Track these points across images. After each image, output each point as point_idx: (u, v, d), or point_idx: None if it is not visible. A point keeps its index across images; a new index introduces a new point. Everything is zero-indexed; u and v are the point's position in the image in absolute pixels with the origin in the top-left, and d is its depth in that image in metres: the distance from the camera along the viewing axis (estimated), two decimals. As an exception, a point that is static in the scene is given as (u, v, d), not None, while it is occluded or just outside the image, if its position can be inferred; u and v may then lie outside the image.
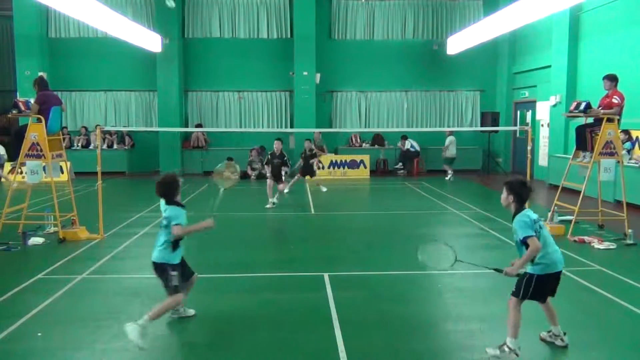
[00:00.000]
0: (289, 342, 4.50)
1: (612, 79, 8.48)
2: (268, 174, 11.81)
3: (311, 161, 13.42)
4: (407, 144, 18.07)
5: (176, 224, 4.51)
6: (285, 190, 12.53)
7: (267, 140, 14.10)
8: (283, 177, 12.01)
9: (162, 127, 17.93)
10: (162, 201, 4.71)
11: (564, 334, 4.36)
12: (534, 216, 4.15)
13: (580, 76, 14.18)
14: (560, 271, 4.25)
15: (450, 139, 17.27)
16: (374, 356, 4.23)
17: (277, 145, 11.77)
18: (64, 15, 17.85)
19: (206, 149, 18.46)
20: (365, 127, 18.89)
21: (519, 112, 18.42)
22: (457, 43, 16.66)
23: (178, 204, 4.67)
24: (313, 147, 13.57)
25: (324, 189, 13.72)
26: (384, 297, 5.66)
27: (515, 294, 4.20)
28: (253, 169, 16.54)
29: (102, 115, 18.82)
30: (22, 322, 4.84)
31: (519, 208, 4.17)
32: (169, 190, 4.65)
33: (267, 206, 11.38)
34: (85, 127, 18.31)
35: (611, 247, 7.59)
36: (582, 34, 14.13)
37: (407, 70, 19.04)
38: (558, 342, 4.35)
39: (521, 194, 4.19)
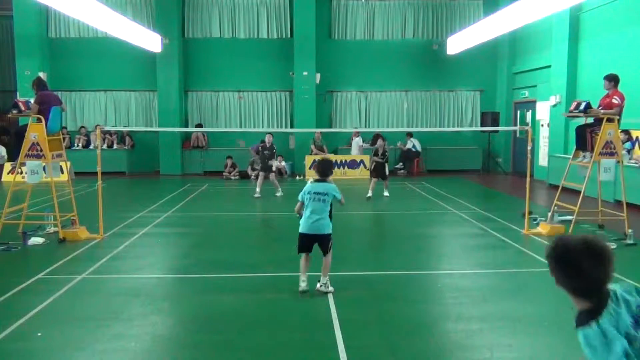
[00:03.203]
0: (289, 342, 4.50)
1: (612, 79, 8.48)
2: (257, 166, 13.08)
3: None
4: (410, 143, 18.09)
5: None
6: (256, 195, 12.67)
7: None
8: (273, 168, 13.11)
9: (162, 127, 17.93)
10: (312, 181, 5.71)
11: None
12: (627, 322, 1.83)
13: (580, 76, 14.18)
14: None
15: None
16: (374, 356, 4.23)
17: (268, 138, 12.84)
18: (64, 15, 17.84)
19: (206, 149, 18.47)
20: (366, 127, 18.89)
21: (519, 112, 18.42)
22: (457, 43, 16.65)
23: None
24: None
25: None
26: (384, 297, 5.66)
27: None
28: (254, 169, 16.53)
29: (102, 115, 18.81)
30: (22, 322, 4.84)
31: (584, 313, 1.89)
32: (329, 169, 5.78)
33: (255, 196, 12.54)
34: (85, 127, 18.30)
35: (611, 247, 7.58)
36: (582, 34, 14.13)
37: (407, 70, 19.04)
38: None
39: (570, 275, 1.89)
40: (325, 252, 5.61)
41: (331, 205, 5.65)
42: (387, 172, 12.84)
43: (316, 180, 5.69)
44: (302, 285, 5.54)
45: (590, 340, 1.83)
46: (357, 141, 17.86)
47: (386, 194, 12.74)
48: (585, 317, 1.85)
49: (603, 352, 1.79)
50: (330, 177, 5.79)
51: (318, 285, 5.60)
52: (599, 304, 1.84)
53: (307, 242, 5.57)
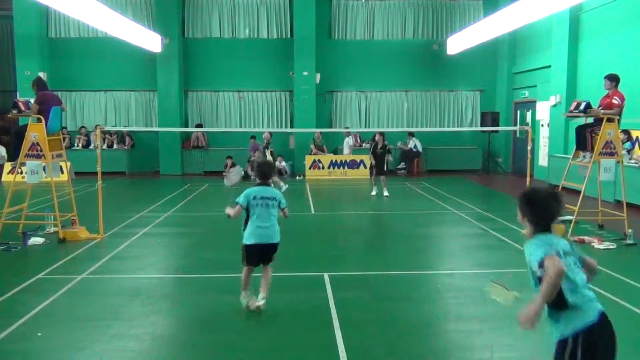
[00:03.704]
0: (289, 342, 4.50)
1: (612, 79, 8.48)
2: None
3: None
4: (412, 143, 18.11)
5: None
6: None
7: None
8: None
9: (162, 127, 17.93)
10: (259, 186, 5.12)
11: None
12: (562, 245, 2.69)
13: (580, 76, 14.18)
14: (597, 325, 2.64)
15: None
16: (374, 356, 4.23)
17: (267, 135, 13.90)
18: (64, 15, 17.83)
19: (206, 149, 18.46)
20: (366, 127, 18.89)
21: (519, 112, 18.42)
22: (457, 43, 16.66)
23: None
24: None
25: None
26: (384, 297, 5.66)
27: None
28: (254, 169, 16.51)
29: (102, 115, 18.80)
30: (22, 322, 4.84)
31: (537, 231, 2.73)
32: (271, 171, 5.30)
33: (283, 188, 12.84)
34: (85, 127, 18.30)
35: (611, 247, 7.59)
36: (582, 34, 14.13)
37: (407, 70, 19.04)
38: None
39: (537, 210, 2.73)
40: (268, 262, 5.13)
41: None
42: (385, 168, 12.69)
43: (261, 184, 5.13)
44: (246, 300, 5.05)
45: (538, 241, 2.65)
46: (347, 141, 17.90)
47: (386, 193, 12.70)
48: (540, 232, 2.70)
49: (544, 246, 2.59)
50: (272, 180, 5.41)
51: (257, 302, 5.03)
52: (549, 230, 2.72)
53: (256, 254, 5.03)
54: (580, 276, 2.66)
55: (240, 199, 4.98)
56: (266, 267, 5.13)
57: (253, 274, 5.18)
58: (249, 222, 4.99)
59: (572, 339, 2.58)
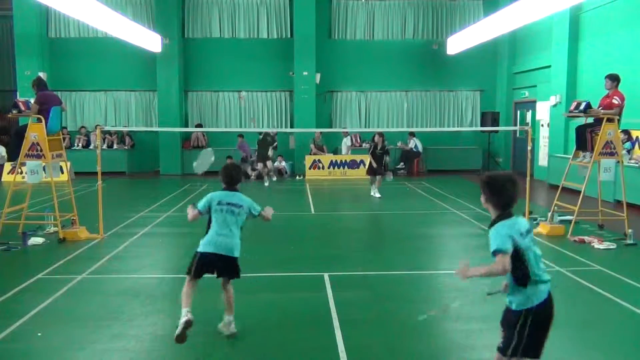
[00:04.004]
0: (289, 342, 4.50)
1: (614, 78, 8.48)
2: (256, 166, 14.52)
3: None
4: (412, 143, 18.12)
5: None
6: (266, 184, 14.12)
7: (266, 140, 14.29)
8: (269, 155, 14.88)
9: (162, 127, 17.93)
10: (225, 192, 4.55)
11: None
12: (523, 226, 2.99)
13: (580, 76, 14.18)
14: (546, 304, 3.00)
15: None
16: (374, 356, 4.23)
17: (273, 131, 14.63)
18: (64, 15, 17.84)
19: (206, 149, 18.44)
20: (366, 127, 18.90)
21: (519, 112, 18.42)
22: (457, 43, 16.66)
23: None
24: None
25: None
26: (384, 297, 5.66)
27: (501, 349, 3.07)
28: (253, 170, 16.54)
29: (102, 115, 18.81)
30: (22, 322, 4.84)
31: (499, 215, 3.01)
32: (239, 176, 4.67)
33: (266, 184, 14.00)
34: (85, 127, 18.31)
35: (611, 247, 7.59)
36: (582, 34, 14.13)
37: (407, 70, 19.04)
38: None
39: (497, 194, 3.01)
40: (228, 279, 4.50)
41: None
42: (382, 167, 12.60)
43: (227, 189, 4.54)
44: (189, 315, 4.22)
45: (499, 229, 2.92)
46: (345, 141, 17.92)
47: (378, 195, 12.65)
48: (502, 218, 2.96)
49: (500, 237, 2.86)
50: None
51: (221, 325, 4.54)
52: (510, 213, 2.98)
53: (207, 265, 4.39)
54: (535, 252, 2.96)
55: (200, 203, 4.46)
56: (226, 284, 4.52)
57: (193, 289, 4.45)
58: (209, 229, 4.45)
59: (524, 313, 2.95)
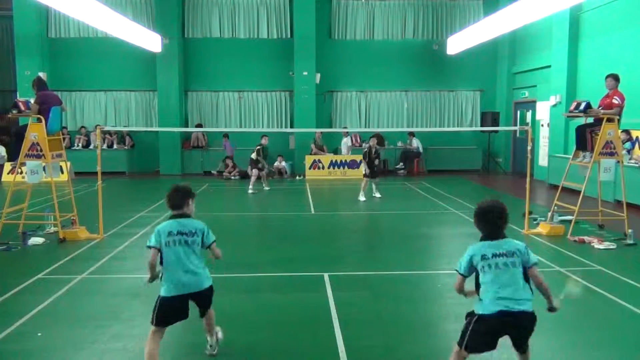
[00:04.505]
0: (289, 342, 4.50)
1: (616, 78, 8.48)
2: (265, 165, 13.90)
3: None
4: (415, 143, 18.13)
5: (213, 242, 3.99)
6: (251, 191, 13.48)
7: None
8: (266, 165, 14.22)
9: (162, 127, 17.93)
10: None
11: None
12: (488, 249, 3.41)
13: (580, 76, 14.18)
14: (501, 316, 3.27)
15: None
16: (374, 356, 4.23)
17: (265, 141, 13.94)
18: (64, 15, 17.84)
19: (206, 149, 18.47)
20: (366, 127, 18.90)
21: (519, 112, 18.42)
22: (457, 43, 16.66)
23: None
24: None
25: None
26: (384, 297, 5.65)
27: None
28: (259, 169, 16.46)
29: (102, 115, 18.82)
30: (22, 322, 4.84)
31: (481, 238, 3.58)
32: (184, 199, 4.01)
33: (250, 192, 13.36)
34: (85, 127, 18.31)
35: (611, 247, 7.59)
36: (582, 34, 14.13)
37: (407, 70, 19.05)
38: None
39: (476, 222, 3.61)
40: (205, 310, 4.00)
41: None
42: (375, 170, 12.56)
43: (174, 217, 3.91)
44: None
45: (468, 251, 3.54)
46: (345, 141, 17.92)
47: (378, 195, 12.67)
48: (482, 239, 3.50)
49: (465, 257, 3.49)
50: (191, 209, 4.05)
51: (208, 349, 4.15)
52: (491, 238, 3.46)
53: (175, 309, 3.76)
54: (493, 276, 3.34)
55: (151, 240, 3.81)
56: (204, 315, 4.04)
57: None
58: (163, 269, 3.79)
59: (471, 316, 3.39)
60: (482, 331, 3.27)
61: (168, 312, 3.75)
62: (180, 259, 3.77)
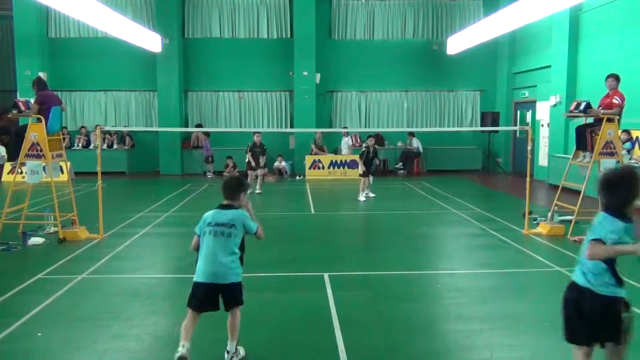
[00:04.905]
0: (289, 342, 4.50)
1: (617, 78, 8.48)
2: (253, 163, 13.29)
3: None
4: (415, 143, 18.14)
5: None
6: (257, 191, 13.25)
7: (267, 140, 14.14)
8: (261, 164, 13.55)
9: (162, 127, 17.93)
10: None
11: None
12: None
13: (580, 76, 14.18)
14: None
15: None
16: (374, 356, 4.23)
17: (257, 138, 13.38)
18: (64, 15, 17.84)
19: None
20: (366, 127, 18.90)
21: (519, 112, 18.42)
22: (457, 43, 16.65)
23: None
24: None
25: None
26: (384, 297, 5.66)
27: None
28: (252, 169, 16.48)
29: (102, 115, 18.82)
30: (22, 322, 4.84)
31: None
32: (238, 190, 4.13)
33: (257, 192, 13.09)
34: (85, 127, 18.31)
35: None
36: (582, 34, 14.13)
37: (407, 70, 19.05)
38: None
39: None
40: (231, 306, 4.03)
41: (243, 241, 4.08)
42: (371, 170, 12.61)
43: (220, 207, 4.07)
44: (182, 350, 3.82)
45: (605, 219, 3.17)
46: (346, 141, 17.93)
47: (372, 194, 12.68)
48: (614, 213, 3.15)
49: (609, 225, 3.15)
50: (243, 201, 4.17)
51: (227, 356, 4.06)
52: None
53: (203, 295, 3.92)
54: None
55: (197, 226, 4.05)
56: (232, 310, 4.06)
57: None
58: (199, 254, 3.99)
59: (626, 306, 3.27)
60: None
61: (198, 297, 3.91)
62: (211, 249, 3.90)
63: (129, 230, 8.92)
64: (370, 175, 12.57)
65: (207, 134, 17.74)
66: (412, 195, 13.32)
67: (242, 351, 4.17)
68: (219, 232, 3.92)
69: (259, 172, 13.40)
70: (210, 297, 3.93)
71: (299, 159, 17.82)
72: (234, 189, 4.09)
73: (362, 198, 12.23)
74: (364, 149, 12.63)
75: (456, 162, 18.62)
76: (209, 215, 4.02)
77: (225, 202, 4.08)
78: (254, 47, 18.71)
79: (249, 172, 13.35)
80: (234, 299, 4.00)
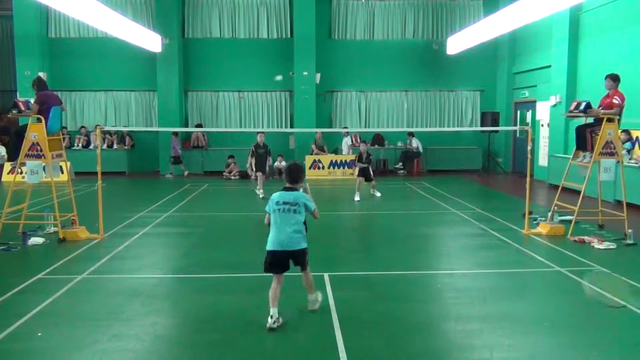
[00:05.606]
0: (289, 342, 4.50)
1: (614, 78, 8.48)
2: (254, 168, 12.91)
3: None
4: (415, 143, 18.14)
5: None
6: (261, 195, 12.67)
7: (267, 140, 14.13)
8: (267, 167, 13.21)
9: (162, 127, 17.94)
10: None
11: None
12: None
13: (580, 76, 14.18)
14: None
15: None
16: (374, 356, 4.23)
17: (260, 138, 12.91)
18: (64, 15, 17.85)
19: (206, 149, 18.47)
20: (366, 127, 18.91)
21: (519, 112, 18.43)
22: (457, 43, 16.66)
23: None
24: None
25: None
26: (384, 297, 5.65)
27: None
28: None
29: (102, 115, 18.82)
30: (22, 322, 4.84)
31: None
32: (299, 175, 4.98)
33: (261, 196, 12.56)
34: (85, 127, 18.31)
35: (611, 247, 7.59)
36: (582, 34, 14.13)
37: (407, 70, 19.05)
38: None
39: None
40: (301, 267, 4.95)
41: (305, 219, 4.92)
42: (371, 175, 12.72)
43: (285, 189, 4.93)
44: (270, 321, 4.65)
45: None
46: (346, 141, 17.93)
47: (378, 194, 12.76)
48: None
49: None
50: (302, 185, 5.08)
51: (309, 305, 5.10)
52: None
53: (277, 260, 4.83)
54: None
55: (267, 206, 4.93)
56: (303, 272, 4.98)
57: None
58: (271, 228, 4.87)
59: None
60: None
61: (272, 262, 4.81)
62: (280, 223, 4.77)
63: (129, 230, 8.92)
64: (372, 180, 12.73)
65: (175, 133, 17.56)
66: (412, 195, 13.32)
67: (320, 296, 5.17)
68: (286, 209, 4.77)
69: (259, 175, 12.99)
70: (281, 261, 4.79)
71: (298, 159, 17.77)
72: (297, 173, 4.96)
73: (357, 198, 12.26)
74: (356, 156, 12.86)
75: (456, 162, 18.62)
76: (276, 195, 4.86)
77: (287, 185, 4.92)
78: (254, 47, 18.71)
79: (249, 173, 13.28)
80: (302, 261, 4.87)
